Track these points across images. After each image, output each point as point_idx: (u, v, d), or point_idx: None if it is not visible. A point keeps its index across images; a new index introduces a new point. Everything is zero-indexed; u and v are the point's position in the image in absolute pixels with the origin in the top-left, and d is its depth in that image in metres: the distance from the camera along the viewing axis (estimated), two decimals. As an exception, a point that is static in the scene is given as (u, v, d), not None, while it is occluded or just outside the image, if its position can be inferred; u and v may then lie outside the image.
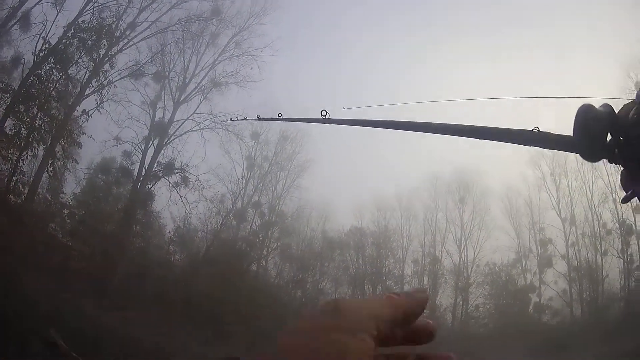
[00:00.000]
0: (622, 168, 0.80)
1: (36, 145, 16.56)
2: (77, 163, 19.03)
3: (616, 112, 0.79)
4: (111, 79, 19.78)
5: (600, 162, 0.86)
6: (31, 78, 16.79)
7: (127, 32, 20.68)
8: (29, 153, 16.18)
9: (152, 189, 23.04)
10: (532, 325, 25.41)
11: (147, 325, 15.30)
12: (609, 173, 24.75)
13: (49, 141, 17.12)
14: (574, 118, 0.80)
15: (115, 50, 20.22)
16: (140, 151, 22.39)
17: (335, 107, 1.89)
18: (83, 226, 18.45)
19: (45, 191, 18.01)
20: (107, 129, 20.99)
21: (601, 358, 16.68)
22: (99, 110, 19.04)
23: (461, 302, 28.35)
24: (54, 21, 17.57)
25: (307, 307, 25.50)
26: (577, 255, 26.86)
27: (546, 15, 38.44)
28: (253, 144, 27.66)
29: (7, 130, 15.56)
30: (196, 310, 18.75)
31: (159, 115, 22.88)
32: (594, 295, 25.36)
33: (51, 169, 17.38)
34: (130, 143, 21.85)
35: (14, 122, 15.74)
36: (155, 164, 23.05)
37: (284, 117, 2.51)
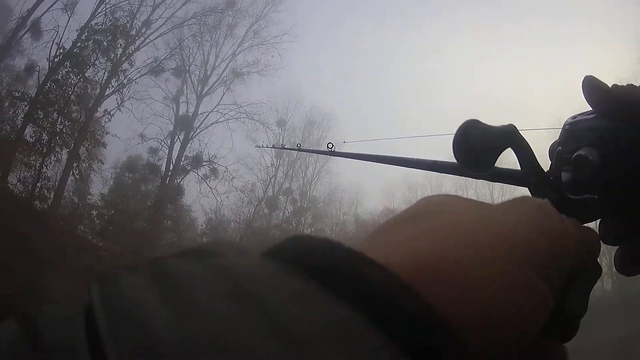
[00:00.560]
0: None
1: (59, 149, 16.77)
2: (103, 163, 19.19)
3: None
4: (131, 77, 19.79)
5: None
6: (48, 84, 16.96)
7: (143, 30, 20.55)
8: (52, 158, 16.39)
9: (181, 183, 23.24)
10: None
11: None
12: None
13: (72, 144, 17.32)
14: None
15: (133, 49, 20.17)
16: (166, 146, 22.51)
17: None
18: (112, 225, 18.72)
19: (71, 194, 18.34)
20: (131, 127, 21.11)
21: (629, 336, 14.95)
22: (120, 110, 19.10)
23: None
24: (66, 26, 17.56)
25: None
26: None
27: (547, 10, 35.08)
28: (280, 131, 27.26)
29: (28, 137, 15.82)
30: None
31: (182, 109, 22.82)
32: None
33: (76, 171, 17.61)
34: (156, 139, 21.93)
35: (34, 129, 15.97)
36: (183, 158, 23.16)
37: (302, 147, 2.59)
